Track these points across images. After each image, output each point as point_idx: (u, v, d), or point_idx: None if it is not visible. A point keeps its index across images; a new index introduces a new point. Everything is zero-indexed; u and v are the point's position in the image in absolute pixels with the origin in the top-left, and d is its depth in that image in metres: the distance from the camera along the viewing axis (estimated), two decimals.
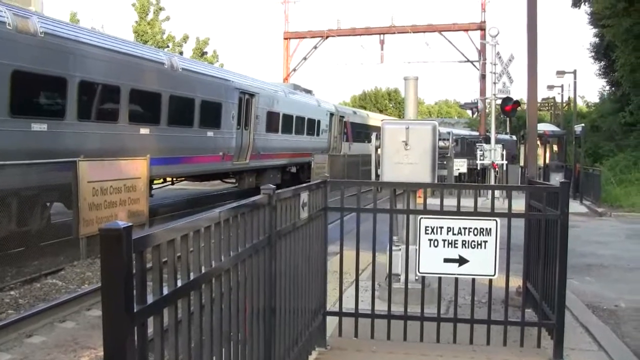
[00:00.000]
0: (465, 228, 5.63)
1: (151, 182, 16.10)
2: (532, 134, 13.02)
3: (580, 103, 51.10)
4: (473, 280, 5.94)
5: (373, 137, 8.12)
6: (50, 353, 7.21)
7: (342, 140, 34.73)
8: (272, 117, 24.41)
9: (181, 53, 39.40)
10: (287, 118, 26.19)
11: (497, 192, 7.40)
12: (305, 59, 45.01)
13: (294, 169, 28.83)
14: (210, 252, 3.13)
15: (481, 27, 40.04)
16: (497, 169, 21.00)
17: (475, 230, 5.61)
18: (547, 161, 29.48)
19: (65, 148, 12.66)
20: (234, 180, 24.45)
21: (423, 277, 6.12)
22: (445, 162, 8.57)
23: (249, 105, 22.02)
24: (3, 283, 9.92)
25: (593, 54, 42.24)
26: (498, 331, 5.98)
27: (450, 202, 5.95)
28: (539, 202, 6.12)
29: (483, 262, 5.63)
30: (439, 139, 7.78)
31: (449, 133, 8.91)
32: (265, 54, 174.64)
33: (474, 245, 5.62)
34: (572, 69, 30.65)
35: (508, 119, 36.25)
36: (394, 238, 6.97)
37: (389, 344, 6.00)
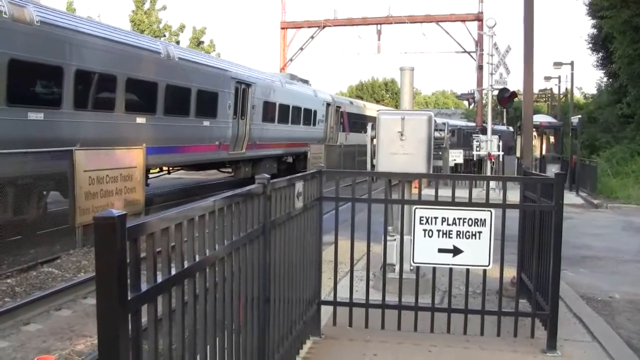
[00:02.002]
0: (459, 218, 5.65)
1: (147, 171, 16.10)
2: (528, 125, 13.02)
3: (577, 94, 51.07)
4: (467, 270, 5.96)
5: (369, 127, 8.12)
6: (46, 340, 7.23)
7: (339, 131, 34.70)
8: (268, 107, 24.37)
9: (178, 42, 39.32)
10: (284, 108, 26.16)
11: (493, 183, 7.43)
12: (302, 48, 44.98)
13: (290, 159, 28.84)
14: (204, 241, 3.14)
15: (478, 18, 40.00)
16: (493, 160, 21.01)
17: (470, 221, 5.63)
18: (544, 152, 29.49)
19: (61, 137, 12.65)
20: (230, 170, 24.45)
21: (417, 267, 6.14)
22: (440, 153, 8.59)
23: (246, 95, 21.99)
24: (0, 271, 9.95)
25: (591, 45, 42.12)
26: (492, 321, 6.01)
27: (445, 193, 5.97)
28: (534, 193, 6.15)
29: (477, 253, 5.65)
30: (435, 130, 7.80)
31: (444, 124, 8.94)
32: (262, 43, 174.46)
33: (469, 235, 5.64)
34: (570, 60, 30.77)
35: (505, 110, 36.23)
36: (389, 228, 6.99)
37: (383, 333, 6.03)
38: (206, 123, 19.32)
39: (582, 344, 6.15)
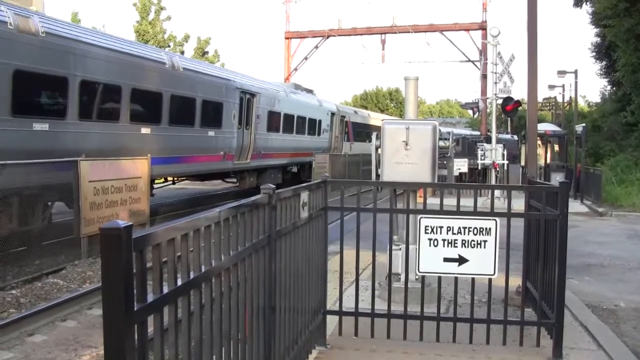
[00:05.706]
0: (465, 228, 5.64)
1: (152, 181, 16.11)
2: (532, 134, 13.00)
3: (581, 103, 51.12)
4: (473, 279, 5.96)
5: (373, 136, 8.14)
6: (51, 352, 7.23)
7: (343, 140, 34.74)
8: (273, 116, 24.42)
9: (182, 53, 39.41)
10: (288, 118, 26.19)
11: (497, 192, 7.42)
12: (306, 58, 44.97)
13: (295, 169, 28.84)
14: (210, 251, 3.15)
15: (482, 27, 39.97)
16: (498, 169, 20.99)
17: (475, 230, 5.63)
18: (549, 161, 29.46)
19: (66, 147, 12.67)
20: (235, 180, 24.47)
21: (423, 277, 6.14)
22: (445, 162, 8.59)
23: (250, 105, 22.03)
24: (5, 282, 9.93)
25: (594, 53, 42.14)
26: (498, 330, 6.00)
27: (450, 202, 5.97)
28: (539, 202, 6.14)
29: (483, 262, 5.64)
30: (439, 139, 7.80)
31: (449, 133, 8.94)
32: (267, 53, 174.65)
33: (474, 244, 5.64)
34: (574, 69, 30.76)
35: (509, 118, 36.22)
36: (394, 238, 6.99)
37: (389, 343, 6.02)
38: (211, 133, 19.35)
39: (587, 352, 6.14)
